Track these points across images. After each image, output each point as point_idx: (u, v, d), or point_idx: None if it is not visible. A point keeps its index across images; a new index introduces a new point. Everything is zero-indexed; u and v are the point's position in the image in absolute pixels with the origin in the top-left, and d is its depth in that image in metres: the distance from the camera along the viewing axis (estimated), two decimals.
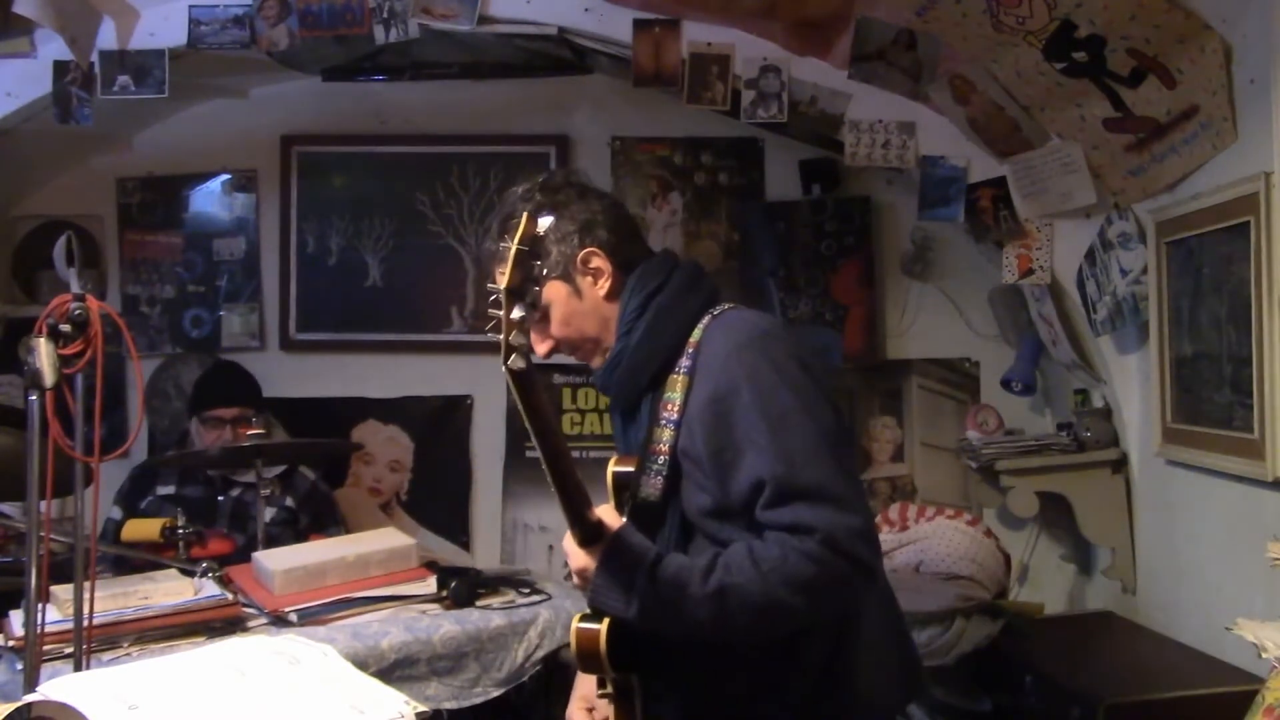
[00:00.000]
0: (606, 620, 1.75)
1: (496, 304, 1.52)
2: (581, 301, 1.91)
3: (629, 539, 1.73)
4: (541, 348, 1.93)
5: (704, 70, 3.43)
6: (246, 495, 3.63)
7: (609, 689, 1.84)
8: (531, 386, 1.58)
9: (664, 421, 1.80)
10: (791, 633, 1.79)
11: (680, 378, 1.81)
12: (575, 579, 1.77)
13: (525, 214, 1.54)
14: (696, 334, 1.84)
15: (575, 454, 4.13)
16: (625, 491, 1.85)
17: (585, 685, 2.01)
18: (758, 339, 1.80)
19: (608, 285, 1.91)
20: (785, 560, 1.67)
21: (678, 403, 1.79)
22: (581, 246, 1.89)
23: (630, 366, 1.88)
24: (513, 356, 1.49)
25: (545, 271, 1.79)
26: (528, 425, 1.61)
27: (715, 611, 1.69)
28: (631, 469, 1.85)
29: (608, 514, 1.76)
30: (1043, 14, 2.72)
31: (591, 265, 1.90)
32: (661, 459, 1.80)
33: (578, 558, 1.74)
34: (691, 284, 1.92)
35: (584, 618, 1.78)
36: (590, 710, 1.97)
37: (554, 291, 1.89)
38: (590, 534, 1.72)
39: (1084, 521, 3.55)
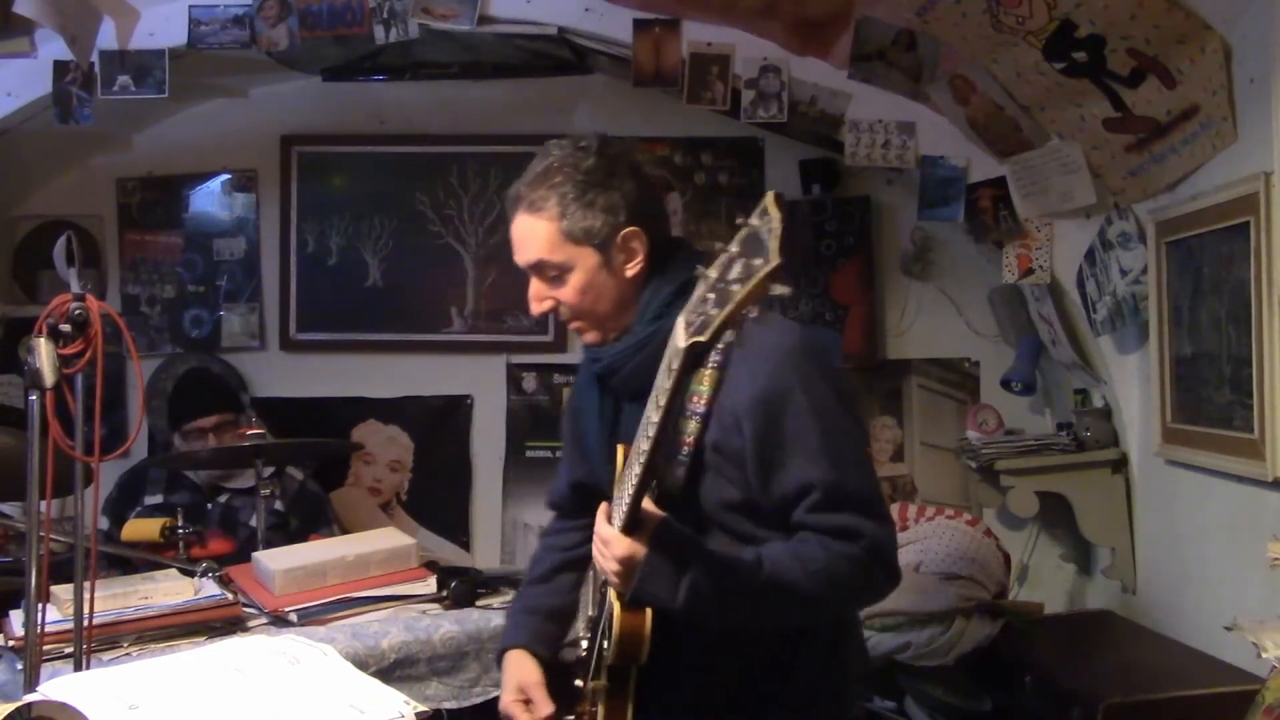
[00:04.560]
0: (648, 609, 1.71)
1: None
2: (610, 277, 1.87)
3: (677, 527, 1.71)
4: (542, 305, 1.90)
5: (704, 70, 3.43)
6: (235, 501, 3.61)
7: (601, 679, 1.78)
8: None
9: (689, 413, 1.77)
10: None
11: (709, 372, 1.78)
12: (614, 564, 1.69)
13: (774, 194, 1.47)
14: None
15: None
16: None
17: (518, 675, 1.98)
18: (807, 346, 1.84)
19: (638, 268, 1.88)
20: (830, 563, 1.73)
21: (705, 396, 1.76)
22: (628, 224, 1.86)
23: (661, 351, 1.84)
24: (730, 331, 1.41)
25: (584, 236, 1.83)
26: (666, 402, 1.52)
27: (760, 606, 1.74)
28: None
29: (644, 503, 1.71)
30: (1042, 14, 2.72)
31: (630, 245, 1.87)
32: (685, 450, 1.78)
33: (621, 544, 1.68)
34: None
35: (626, 605, 1.72)
36: (526, 702, 1.93)
37: (585, 259, 1.85)
38: (635, 522, 1.68)
39: (1084, 521, 3.54)
